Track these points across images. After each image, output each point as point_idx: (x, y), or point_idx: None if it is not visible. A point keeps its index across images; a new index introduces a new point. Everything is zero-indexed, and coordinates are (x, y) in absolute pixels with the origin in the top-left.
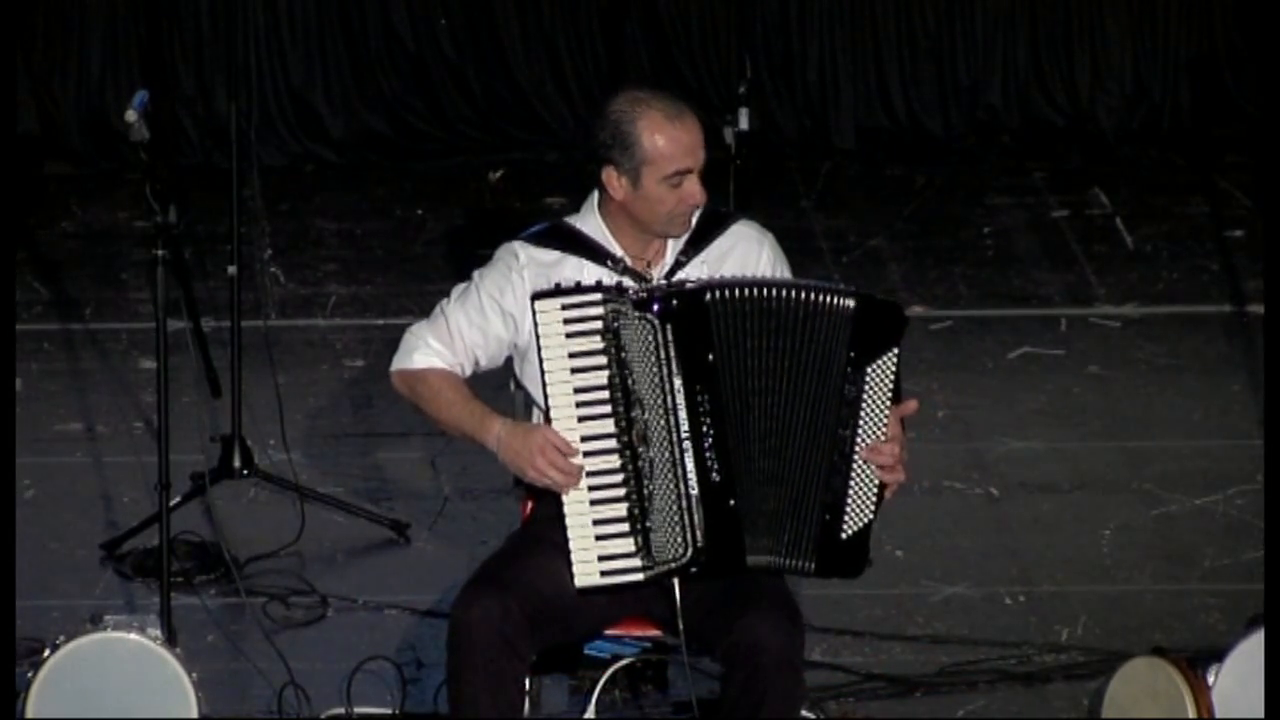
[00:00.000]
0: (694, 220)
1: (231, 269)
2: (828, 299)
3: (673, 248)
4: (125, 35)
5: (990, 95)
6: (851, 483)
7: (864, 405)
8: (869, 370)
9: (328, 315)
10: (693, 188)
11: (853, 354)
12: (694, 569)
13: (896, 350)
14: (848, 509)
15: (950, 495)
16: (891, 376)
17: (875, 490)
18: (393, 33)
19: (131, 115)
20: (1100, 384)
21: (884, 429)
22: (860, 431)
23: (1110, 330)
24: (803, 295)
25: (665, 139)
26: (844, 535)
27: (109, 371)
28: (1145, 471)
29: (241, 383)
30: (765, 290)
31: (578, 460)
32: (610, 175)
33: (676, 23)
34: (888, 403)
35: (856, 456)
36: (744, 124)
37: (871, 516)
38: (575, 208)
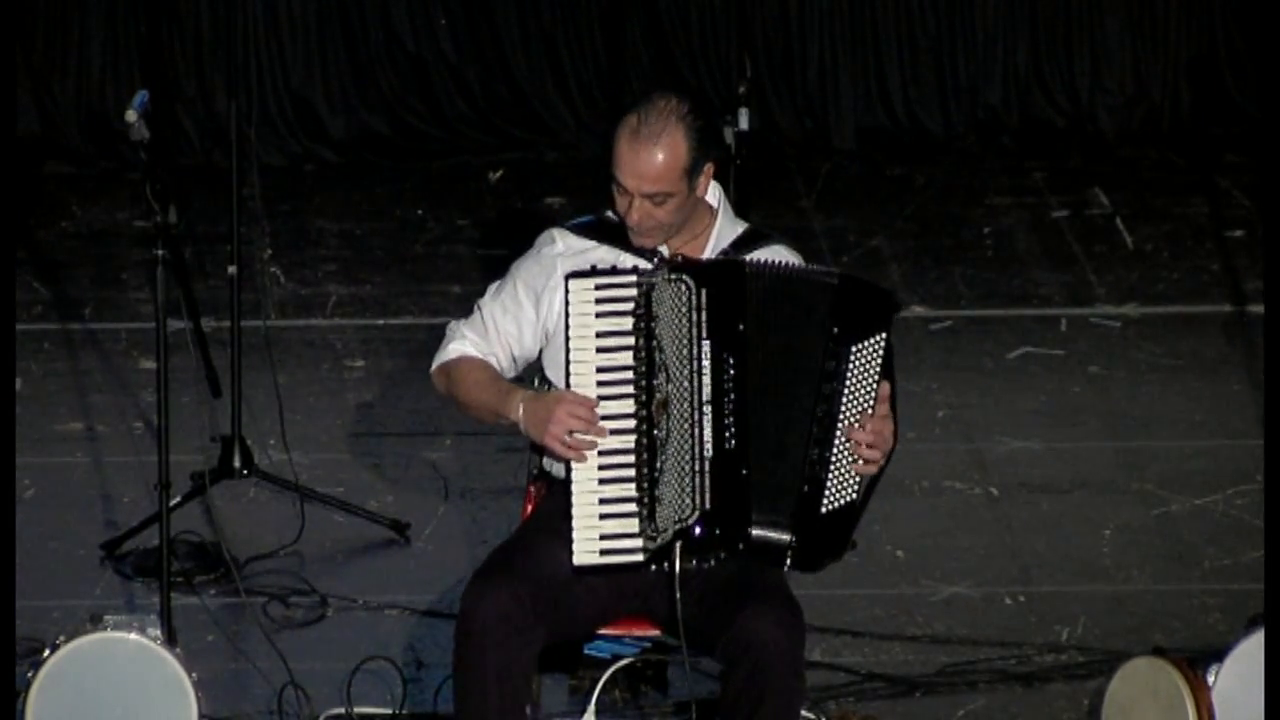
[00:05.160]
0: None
1: (231, 269)
2: (820, 278)
3: (714, 248)
4: (125, 35)
5: (990, 95)
6: (832, 458)
7: (847, 384)
8: (853, 350)
9: (328, 315)
10: (628, 207)
11: (836, 329)
12: (697, 529)
13: (884, 335)
14: (828, 484)
15: (950, 495)
16: (878, 362)
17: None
18: (393, 33)
19: (131, 115)
20: (1100, 384)
21: (867, 410)
22: (843, 409)
23: (1110, 330)
24: (802, 274)
25: (617, 149)
26: (824, 510)
27: (109, 371)
28: (1145, 471)
29: (241, 383)
30: (793, 269)
31: (598, 422)
32: None
33: (676, 23)
34: (873, 385)
35: (837, 434)
36: (744, 124)
37: (854, 497)
38: (575, 207)
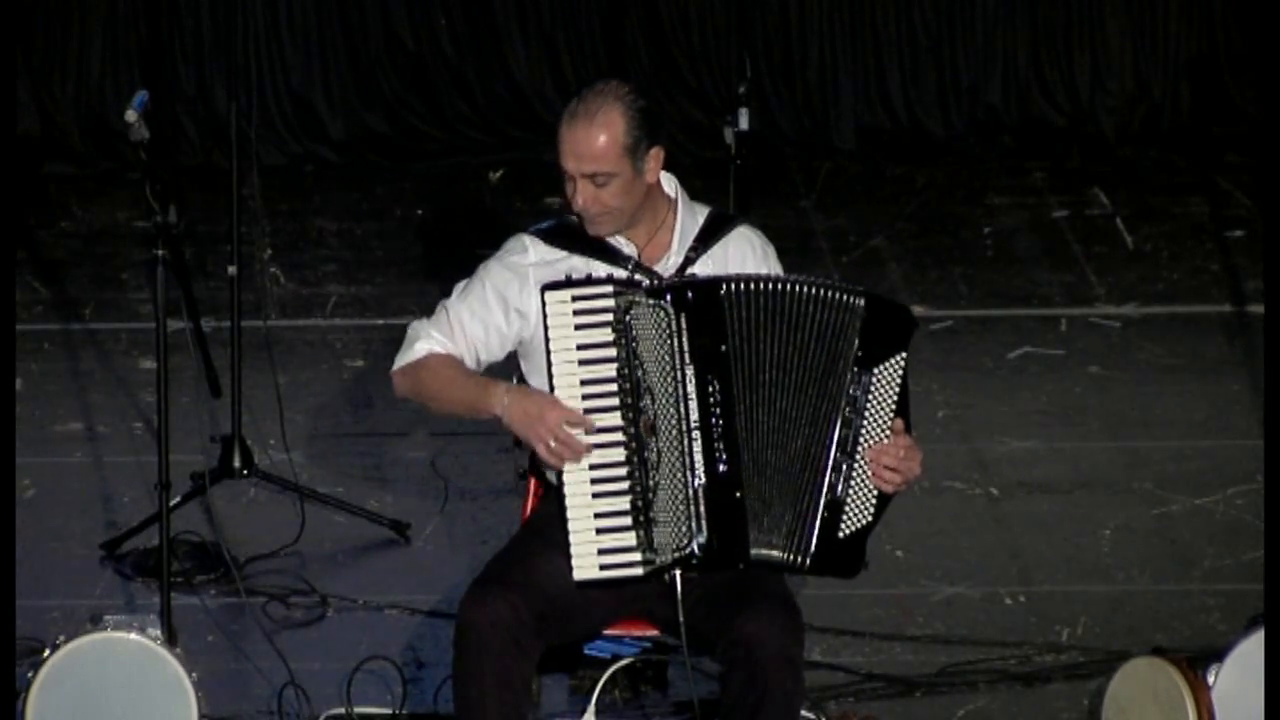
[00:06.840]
0: (609, 224)
1: (231, 269)
2: (840, 296)
3: (680, 243)
4: (125, 35)
5: (990, 95)
6: (852, 482)
7: (869, 406)
8: (875, 371)
9: (328, 315)
10: (573, 192)
11: (860, 353)
12: (696, 559)
13: (904, 355)
14: (847, 507)
15: (950, 495)
16: (898, 382)
17: (875, 493)
18: (393, 33)
19: (131, 115)
20: (1100, 384)
21: (886, 432)
22: (863, 432)
23: (1110, 330)
24: (815, 291)
25: (558, 135)
26: (841, 534)
27: (109, 371)
28: (1145, 471)
29: (241, 383)
30: (780, 285)
31: (584, 438)
32: None
33: (676, 23)
34: (892, 406)
35: (859, 457)
36: (744, 124)
37: (870, 519)
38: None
